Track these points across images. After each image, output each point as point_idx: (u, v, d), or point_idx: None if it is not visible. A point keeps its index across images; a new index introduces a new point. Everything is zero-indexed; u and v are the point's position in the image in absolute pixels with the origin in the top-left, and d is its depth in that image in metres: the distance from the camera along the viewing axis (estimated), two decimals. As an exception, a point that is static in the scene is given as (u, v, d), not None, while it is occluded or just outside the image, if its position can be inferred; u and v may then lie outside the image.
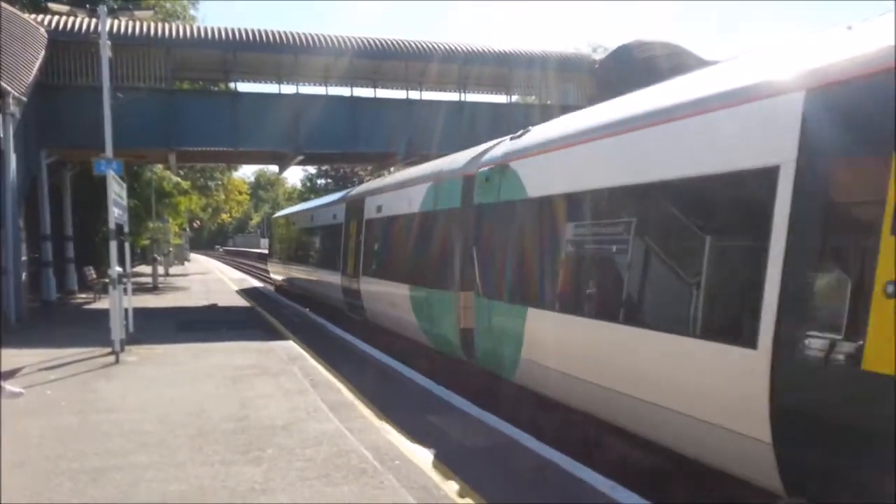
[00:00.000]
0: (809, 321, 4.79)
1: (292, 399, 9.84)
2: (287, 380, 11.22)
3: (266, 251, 47.50)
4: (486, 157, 10.91)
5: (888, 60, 4.46)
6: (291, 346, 14.70)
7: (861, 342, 4.36)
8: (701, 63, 21.45)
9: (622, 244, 6.91)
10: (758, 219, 5.25)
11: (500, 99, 29.20)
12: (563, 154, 8.23)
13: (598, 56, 29.91)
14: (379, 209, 16.69)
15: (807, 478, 4.96)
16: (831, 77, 4.85)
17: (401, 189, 15.36)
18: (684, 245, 6.28)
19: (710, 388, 5.58)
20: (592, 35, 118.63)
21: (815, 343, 4.65)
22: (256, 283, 38.66)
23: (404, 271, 14.13)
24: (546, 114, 11.37)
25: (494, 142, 11.30)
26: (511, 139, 10.39)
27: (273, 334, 16.78)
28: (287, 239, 32.51)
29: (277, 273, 33.67)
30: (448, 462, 7.04)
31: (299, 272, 27.38)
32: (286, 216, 35.06)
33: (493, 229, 10.16)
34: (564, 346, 7.86)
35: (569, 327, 7.66)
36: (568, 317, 7.73)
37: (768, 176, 5.14)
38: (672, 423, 6.03)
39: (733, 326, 5.51)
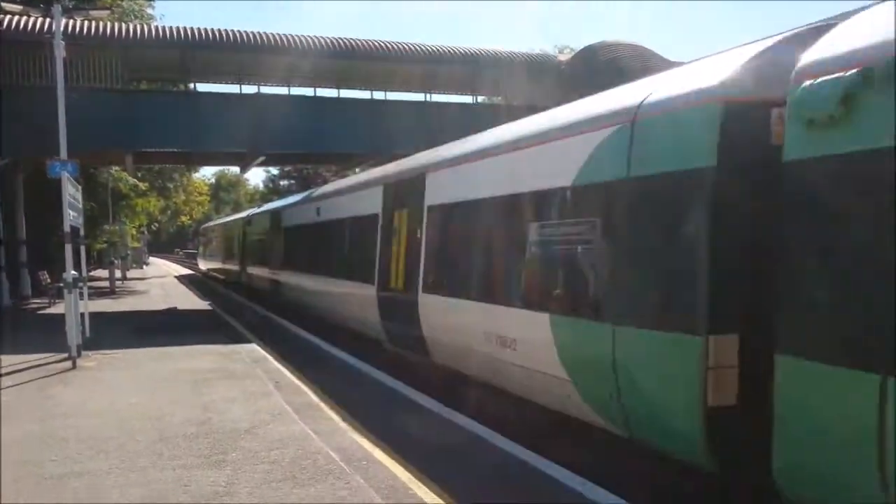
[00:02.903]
0: None
1: (256, 402, 9.71)
2: (251, 383, 11.08)
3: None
4: None
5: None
6: (254, 349, 14.53)
7: None
8: (667, 64, 21.84)
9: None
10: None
11: (467, 99, 29.27)
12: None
13: (564, 57, 30.16)
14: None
15: None
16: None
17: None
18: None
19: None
20: (559, 36, 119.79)
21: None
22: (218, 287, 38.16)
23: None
24: (512, 114, 11.39)
25: None
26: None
27: (235, 337, 16.56)
28: (263, 239, 28.26)
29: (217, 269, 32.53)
30: (416, 462, 7.00)
31: (283, 278, 22.59)
32: (257, 216, 31.52)
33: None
34: None
35: None
36: None
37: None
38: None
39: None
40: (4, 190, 24.33)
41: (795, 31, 5.75)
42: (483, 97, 29.90)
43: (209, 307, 25.05)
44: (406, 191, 12.35)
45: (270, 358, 13.39)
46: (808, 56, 4.74)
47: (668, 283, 6.02)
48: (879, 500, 4.12)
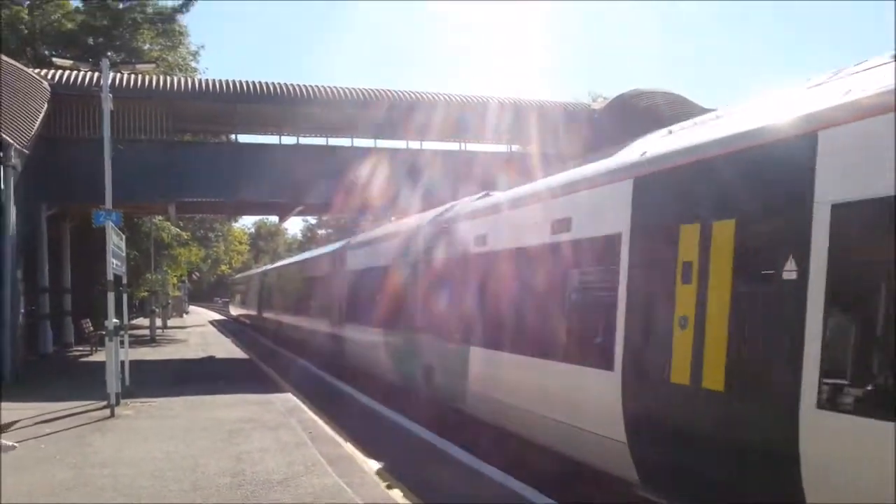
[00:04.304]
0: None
1: (290, 453, 9.64)
2: (285, 433, 11.02)
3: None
4: None
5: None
6: (289, 399, 14.50)
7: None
8: (700, 111, 21.77)
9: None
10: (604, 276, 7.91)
11: (502, 148, 29.35)
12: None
13: (598, 105, 30.23)
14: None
15: None
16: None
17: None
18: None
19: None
20: (592, 85, 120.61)
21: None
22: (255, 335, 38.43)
23: None
24: (547, 162, 11.54)
25: None
26: None
27: (271, 386, 16.57)
28: (270, 291, 36.80)
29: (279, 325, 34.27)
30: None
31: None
32: (269, 272, 41.15)
33: None
34: None
35: None
36: None
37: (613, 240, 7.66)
38: None
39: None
40: (51, 238, 24.92)
41: None
42: (517, 146, 30.01)
43: (246, 356, 25.16)
44: None
45: (305, 408, 13.36)
46: None
47: None
48: None
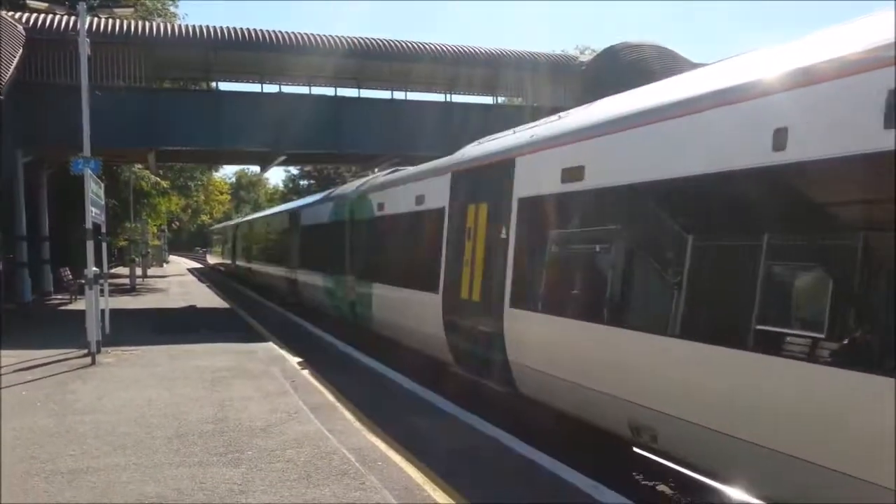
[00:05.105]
0: None
1: (273, 401, 9.70)
2: (267, 382, 11.08)
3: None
4: None
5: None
6: (272, 348, 14.56)
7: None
8: (689, 65, 21.62)
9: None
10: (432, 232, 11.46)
11: (487, 100, 29.20)
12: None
13: (586, 58, 29.97)
14: None
15: None
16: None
17: None
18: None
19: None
20: (580, 37, 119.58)
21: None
22: (236, 285, 38.39)
23: None
24: (535, 115, 11.64)
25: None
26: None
27: (253, 336, 16.61)
28: (243, 242, 40.30)
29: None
30: (431, 463, 6.95)
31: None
32: (241, 224, 44.63)
33: None
34: None
35: None
36: None
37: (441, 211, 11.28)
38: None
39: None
40: (28, 186, 24.55)
41: None
42: (504, 98, 29.82)
43: (228, 305, 25.16)
44: None
45: (287, 357, 13.43)
46: None
47: None
48: None
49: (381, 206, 15.01)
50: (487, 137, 11.20)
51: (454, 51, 26.70)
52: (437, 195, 11.63)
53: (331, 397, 9.99)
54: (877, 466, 4.35)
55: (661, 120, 6.54)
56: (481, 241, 9.89)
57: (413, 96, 27.76)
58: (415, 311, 12.14)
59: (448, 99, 27.65)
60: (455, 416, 9.13)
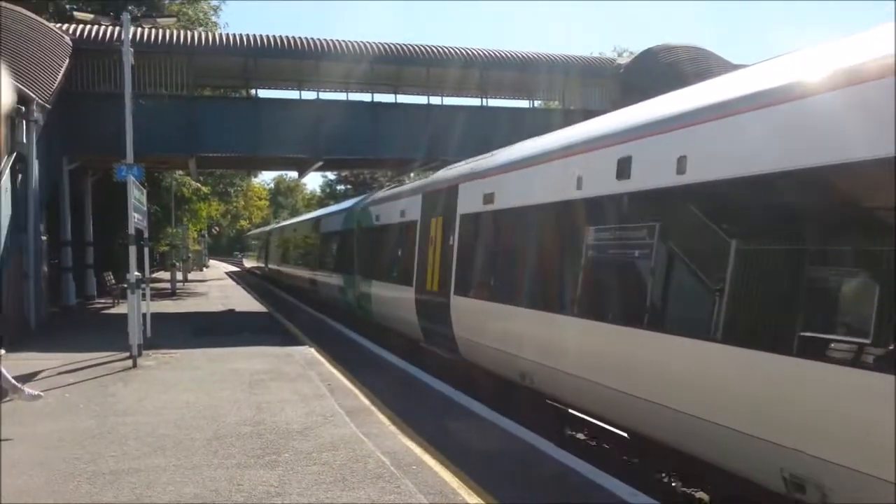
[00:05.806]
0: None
1: (309, 404, 9.80)
2: (304, 385, 11.20)
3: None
4: None
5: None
6: (309, 352, 14.69)
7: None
8: (728, 67, 21.37)
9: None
10: (410, 240, 14.61)
11: (523, 104, 29.11)
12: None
13: (623, 60, 29.73)
14: None
15: None
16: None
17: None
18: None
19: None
20: (618, 39, 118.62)
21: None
22: (272, 288, 38.81)
23: None
24: (569, 119, 11.89)
25: None
26: None
27: (291, 339, 16.78)
28: (277, 246, 42.92)
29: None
30: (466, 467, 6.95)
31: None
32: (274, 230, 49.10)
33: None
34: None
35: None
36: None
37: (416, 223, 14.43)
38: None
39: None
40: (73, 192, 25.13)
41: None
42: (539, 102, 29.71)
43: (266, 309, 25.44)
44: None
45: (324, 361, 13.54)
46: None
47: None
48: None
49: (378, 217, 18.50)
50: (456, 164, 14.01)
51: (487, 55, 26.70)
52: (414, 210, 14.77)
53: (366, 400, 10.05)
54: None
55: (529, 166, 9.83)
56: (439, 246, 12.91)
57: (448, 101, 27.76)
58: (398, 303, 15.10)
59: (484, 103, 27.60)
60: (486, 418, 9.12)
